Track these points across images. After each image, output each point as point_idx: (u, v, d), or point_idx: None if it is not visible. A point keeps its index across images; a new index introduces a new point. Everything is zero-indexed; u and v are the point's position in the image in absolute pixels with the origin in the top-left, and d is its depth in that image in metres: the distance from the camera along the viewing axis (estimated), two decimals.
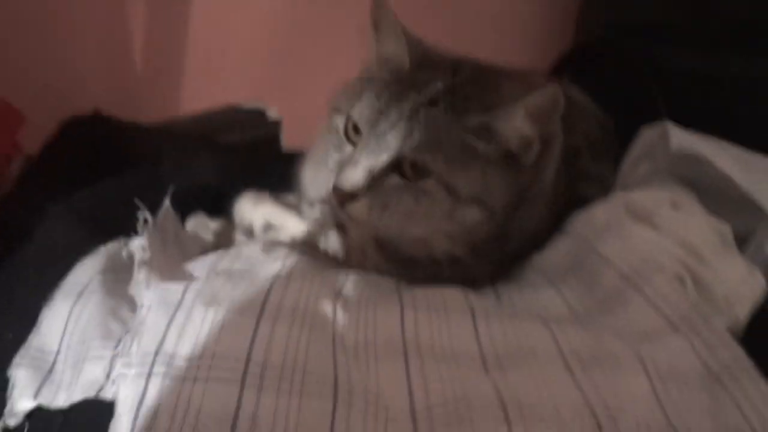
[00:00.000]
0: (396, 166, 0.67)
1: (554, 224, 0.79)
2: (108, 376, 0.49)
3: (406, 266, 0.78)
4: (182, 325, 0.50)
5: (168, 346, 0.49)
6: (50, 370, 0.51)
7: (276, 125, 1.32)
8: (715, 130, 0.81)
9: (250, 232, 0.96)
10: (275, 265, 0.64)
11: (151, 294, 0.54)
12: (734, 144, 0.82)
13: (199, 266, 0.66)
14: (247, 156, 1.27)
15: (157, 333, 0.50)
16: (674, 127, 0.81)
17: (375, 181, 0.67)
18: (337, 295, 0.60)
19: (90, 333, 0.52)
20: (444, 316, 0.59)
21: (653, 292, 0.66)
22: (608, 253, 0.71)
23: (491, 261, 0.75)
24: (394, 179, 0.67)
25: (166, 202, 0.75)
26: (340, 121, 0.72)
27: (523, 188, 0.71)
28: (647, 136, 0.86)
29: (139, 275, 0.57)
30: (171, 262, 0.67)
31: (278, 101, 1.24)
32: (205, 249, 0.86)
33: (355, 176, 0.66)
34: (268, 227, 0.95)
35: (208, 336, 0.49)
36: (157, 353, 0.48)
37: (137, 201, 0.70)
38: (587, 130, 0.93)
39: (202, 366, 0.47)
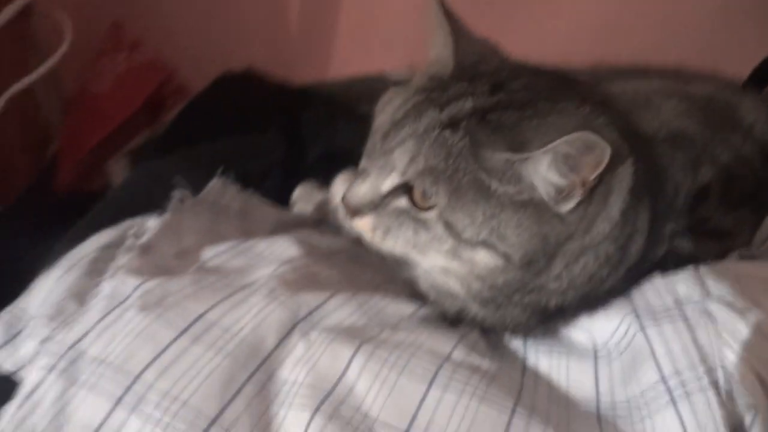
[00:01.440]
0: (406, 187, 0.59)
1: (623, 284, 0.63)
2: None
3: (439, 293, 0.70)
4: (107, 326, 0.52)
5: (84, 344, 0.51)
6: (16, 334, 0.58)
7: None
8: None
9: (336, 211, 0.95)
10: (262, 271, 0.63)
11: (108, 284, 0.57)
12: None
13: (210, 253, 0.67)
14: None
15: (84, 328, 0.52)
16: None
17: (383, 199, 0.60)
18: (292, 325, 0.56)
19: (46, 308, 0.56)
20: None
21: (690, 413, 0.49)
22: (658, 346, 0.55)
23: (525, 312, 0.64)
24: (400, 202, 0.59)
25: (216, 179, 0.77)
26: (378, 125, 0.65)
27: (559, 241, 0.57)
28: None
29: (120, 260, 0.60)
30: (200, 241, 0.70)
31: None
32: (304, 222, 0.89)
33: (360, 192, 0.61)
34: None
35: (119, 344, 0.50)
36: (70, 348, 0.51)
37: (179, 179, 0.73)
38: (735, 164, 0.71)
39: (95, 373, 0.49)
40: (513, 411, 0.51)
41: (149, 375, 0.49)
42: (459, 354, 0.57)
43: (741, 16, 1.06)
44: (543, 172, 0.53)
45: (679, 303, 0.58)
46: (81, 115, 1.04)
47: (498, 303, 0.64)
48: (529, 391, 0.56)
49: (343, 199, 0.62)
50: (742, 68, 0.96)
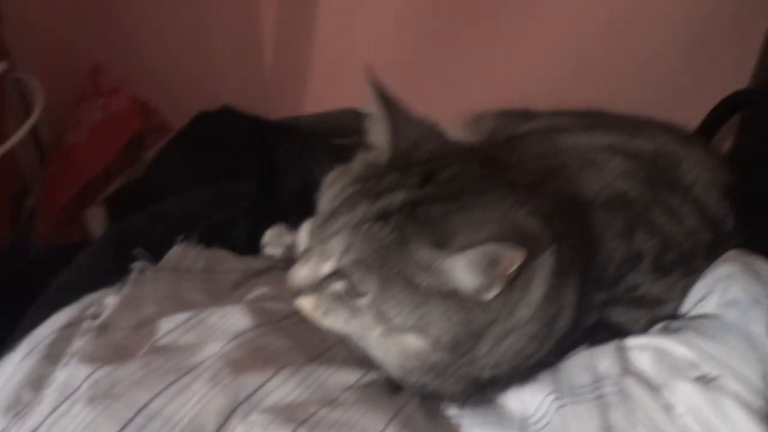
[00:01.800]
0: (342, 273, 0.63)
1: (550, 356, 0.67)
2: None
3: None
4: (57, 419, 0.56)
5: None
6: None
7: None
8: None
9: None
10: (210, 349, 0.66)
11: (61, 373, 0.61)
12: None
13: (166, 327, 0.71)
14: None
15: (36, 421, 0.56)
16: None
17: (321, 282, 0.64)
18: (231, 410, 0.60)
19: (4, 397, 0.59)
20: None
21: None
22: (574, 426, 0.58)
23: (458, 380, 0.67)
24: (337, 286, 0.63)
25: (176, 246, 0.80)
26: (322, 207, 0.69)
27: (484, 325, 0.61)
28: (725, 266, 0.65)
29: (75, 345, 0.65)
30: (160, 309, 0.74)
31: None
32: (273, 265, 0.92)
33: (302, 275, 0.64)
34: None
35: None
36: None
37: (139, 251, 0.77)
38: (670, 227, 0.73)
39: None
40: None
41: None
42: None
43: (699, 62, 1.07)
44: (460, 272, 0.57)
45: (598, 380, 0.61)
46: (59, 167, 1.08)
47: (435, 374, 0.67)
48: None
49: (288, 279, 0.66)
50: (698, 113, 0.98)
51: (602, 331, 0.68)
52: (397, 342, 0.62)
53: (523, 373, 0.66)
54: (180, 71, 1.26)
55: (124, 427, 0.56)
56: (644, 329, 0.68)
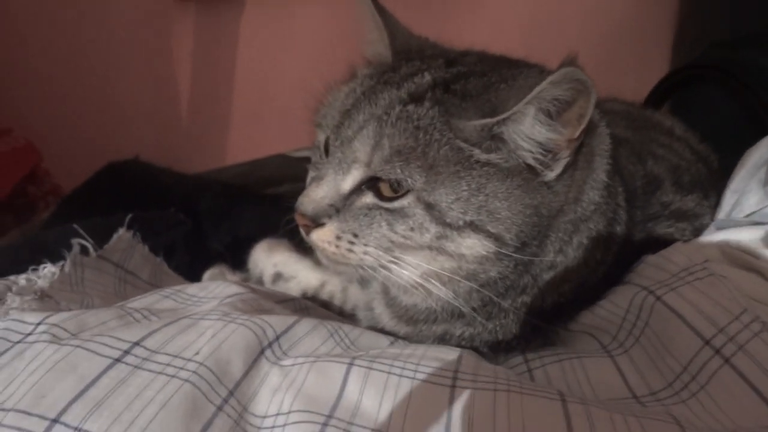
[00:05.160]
0: (372, 181, 0.51)
1: (615, 273, 0.58)
2: None
3: (410, 322, 0.60)
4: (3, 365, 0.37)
5: None
6: None
7: None
8: None
9: (260, 282, 0.84)
10: (203, 306, 0.49)
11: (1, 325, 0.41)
12: None
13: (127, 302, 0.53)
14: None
15: None
16: None
17: (345, 200, 0.51)
18: (260, 349, 0.43)
19: None
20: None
21: (752, 364, 0.42)
22: (684, 309, 0.48)
23: (518, 319, 0.55)
24: (366, 198, 0.50)
25: (123, 230, 0.64)
26: (321, 135, 0.57)
27: (550, 213, 0.51)
28: (754, 155, 0.63)
29: (12, 303, 0.45)
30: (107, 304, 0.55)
31: None
32: None
33: (318, 196, 0.51)
34: (278, 277, 0.82)
35: (23, 384, 0.35)
36: None
37: (77, 227, 0.59)
38: (673, 157, 0.71)
39: None
40: (563, 401, 0.41)
41: (74, 413, 0.33)
42: (468, 362, 0.47)
43: (632, 42, 1.14)
44: (527, 129, 0.48)
45: (685, 269, 0.53)
46: None
47: (488, 312, 0.55)
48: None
49: (296, 210, 0.53)
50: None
51: (655, 244, 0.61)
52: (453, 251, 0.49)
53: (590, 291, 0.56)
54: (88, 132, 1.12)
55: (113, 365, 0.37)
56: (691, 238, 0.62)
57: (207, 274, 0.93)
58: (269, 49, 1.16)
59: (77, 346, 0.37)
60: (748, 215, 0.61)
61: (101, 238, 0.65)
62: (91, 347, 0.38)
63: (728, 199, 0.65)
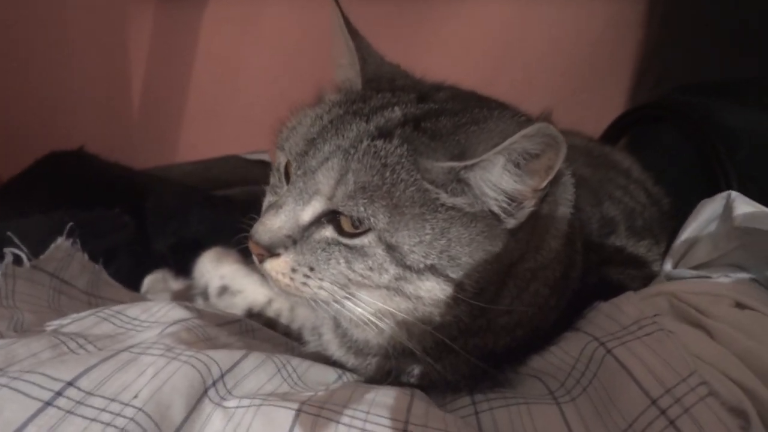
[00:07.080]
0: (333, 214, 0.49)
1: (566, 318, 0.58)
2: None
3: (359, 355, 0.59)
4: None
5: None
6: None
7: None
8: None
9: (205, 294, 0.81)
10: (145, 334, 0.47)
11: None
12: None
13: (62, 321, 0.49)
14: (244, 209, 1.14)
15: None
16: (741, 198, 0.59)
17: (303, 232, 0.49)
18: (204, 389, 0.41)
19: None
20: None
21: (695, 429, 0.43)
22: (634, 366, 0.49)
23: (469, 361, 0.54)
24: (326, 232, 0.49)
25: (61, 239, 0.60)
26: (282, 158, 0.55)
27: (511, 261, 0.51)
28: (707, 209, 0.64)
29: None
30: (41, 318, 0.51)
31: None
32: None
33: (275, 225, 0.49)
34: (224, 290, 0.79)
35: None
36: None
37: (11, 235, 0.55)
38: (629, 201, 0.73)
39: None
40: None
41: None
42: (418, 409, 0.46)
43: (594, 77, 1.16)
44: (494, 178, 0.47)
45: (636, 322, 0.53)
46: None
47: (439, 352, 0.54)
48: None
49: (251, 238, 0.51)
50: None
51: (606, 289, 0.61)
52: (411, 293, 0.48)
53: (541, 336, 0.56)
54: (30, 120, 1.05)
55: (43, 408, 0.34)
56: (641, 287, 0.63)
57: (147, 280, 0.90)
58: (232, 48, 1.13)
59: (4, 386, 0.34)
60: (696, 266, 0.63)
61: (37, 241, 0.61)
62: (20, 387, 0.35)
63: (679, 247, 0.66)
